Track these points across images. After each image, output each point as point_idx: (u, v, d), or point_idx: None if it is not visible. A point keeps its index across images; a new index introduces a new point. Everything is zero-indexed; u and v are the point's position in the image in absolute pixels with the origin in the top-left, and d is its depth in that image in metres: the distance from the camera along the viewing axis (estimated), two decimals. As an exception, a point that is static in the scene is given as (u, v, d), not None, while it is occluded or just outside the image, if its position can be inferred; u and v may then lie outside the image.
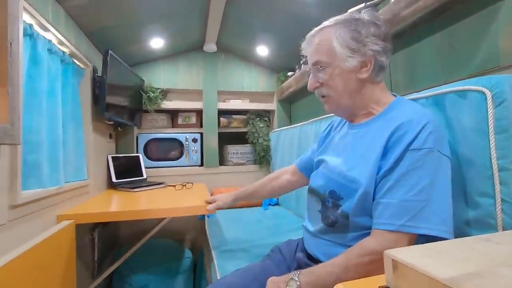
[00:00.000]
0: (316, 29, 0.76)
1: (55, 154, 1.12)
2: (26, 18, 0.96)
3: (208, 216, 1.79)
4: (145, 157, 2.17)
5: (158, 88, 2.18)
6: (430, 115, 0.64)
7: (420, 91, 0.82)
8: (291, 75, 2.16)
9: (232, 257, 1.19)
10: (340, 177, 0.71)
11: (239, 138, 2.47)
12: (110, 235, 1.87)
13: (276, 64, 2.37)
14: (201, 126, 2.34)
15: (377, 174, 0.64)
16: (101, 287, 1.56)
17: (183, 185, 1.82)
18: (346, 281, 0.54)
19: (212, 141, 2.31)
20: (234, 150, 2.42)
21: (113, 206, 1.35)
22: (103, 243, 1.65)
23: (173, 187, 1.81)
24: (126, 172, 1.96)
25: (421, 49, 1.11)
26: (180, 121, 2.35)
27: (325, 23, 0.74)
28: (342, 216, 0.69)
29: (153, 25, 1.71)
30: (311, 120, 1.65)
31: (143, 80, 2.12)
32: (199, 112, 2.36)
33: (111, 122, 1.88)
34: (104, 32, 1.56)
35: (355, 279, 0.57)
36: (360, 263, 0.60)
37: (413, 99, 0.80)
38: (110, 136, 1.99)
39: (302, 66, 1.95)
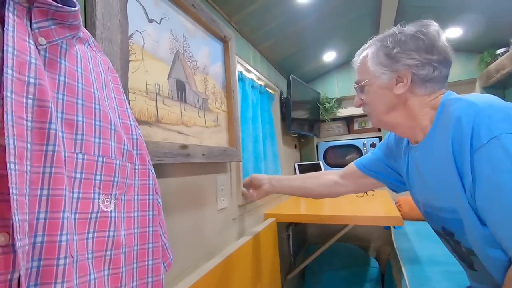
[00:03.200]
0: (358, 51, 0.77)
1: (258, 165, 1.45)
2: (238, 67, 1.31)
3: (394, 227, 1.68)
4: (324, 164, 2.33)
5: (332, 98, 2.29)
6: (480, 101, 0.55)
7: None
8: (502, 53, 1.65)
9: (427, 281, 1.06)
10: (438, 211, 0.66)
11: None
12: (300, 233, 2.14)
13: (475, 44, 1.88)
14: (379, 129, 2.22)
15: (465, 194, 0.55)
16: (297, 278, 1.82)
17: (364, 192, 1.80)
18: None
19: (393, 145, 2.14)
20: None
21: (303, 209, 1.55)
22: (295, 239, 1.91)
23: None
24: (310, 178, 2.18)
25: None
26: (356, 126, 2.35)
27: (365, 45, 0.75)
28: (469, 253, 0.63)
29: (325, 40, 1.84)
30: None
31: (319, 93, 2.30)
32: (376, 116, 2.26)
33: (295, 135, 2.17)
34: (286, 60, 1.84)
35: None
36: None
37: None
38: (295, 147, 2.29)
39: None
